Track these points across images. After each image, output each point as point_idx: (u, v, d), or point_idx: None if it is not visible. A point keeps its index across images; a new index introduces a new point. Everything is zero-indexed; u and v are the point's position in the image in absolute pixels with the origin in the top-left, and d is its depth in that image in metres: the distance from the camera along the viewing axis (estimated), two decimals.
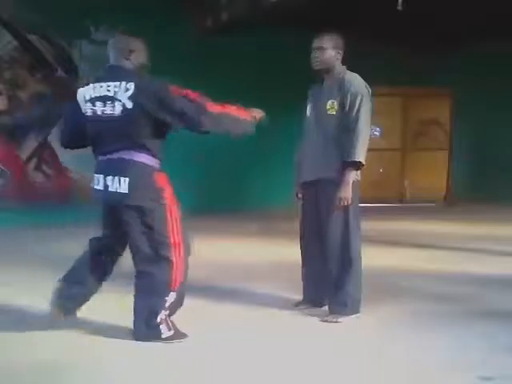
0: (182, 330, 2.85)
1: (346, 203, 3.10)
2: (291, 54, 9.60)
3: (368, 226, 7.85)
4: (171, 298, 2.76)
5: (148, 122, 2.71)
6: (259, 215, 8.53)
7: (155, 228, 2.74)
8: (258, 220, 7.88)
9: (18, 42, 7.66)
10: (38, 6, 7.65)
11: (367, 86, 3.25)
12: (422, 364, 2.55)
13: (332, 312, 3.21)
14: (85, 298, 2.97)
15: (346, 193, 3.08)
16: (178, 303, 2.84)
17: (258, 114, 2.96)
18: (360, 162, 3.09)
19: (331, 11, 8.89)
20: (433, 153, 11.70)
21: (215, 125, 2.77)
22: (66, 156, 8.04)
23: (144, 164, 2.74)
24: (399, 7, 6.76)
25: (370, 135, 3.23)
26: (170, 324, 2.80)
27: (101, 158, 2.83)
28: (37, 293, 3.82)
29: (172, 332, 2.79)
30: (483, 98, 10.80)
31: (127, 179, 2.68)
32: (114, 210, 2.80)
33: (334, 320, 3.14)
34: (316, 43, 3.25)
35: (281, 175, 7.26)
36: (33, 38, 7.75)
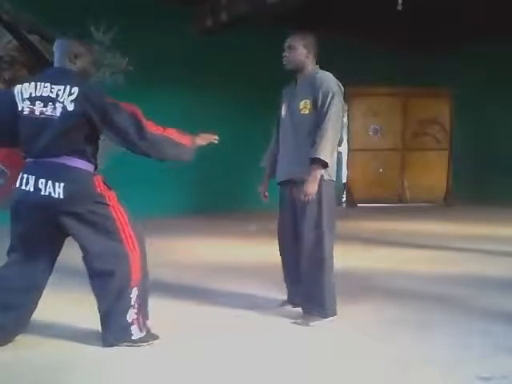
0: (172, 330, 2.83)
1: (307, 200, 3.05)
2: None
3: (368, 226, 7.91)
4: (134, 294, 2.71)
5: (86, 128, 2.66)
6: (259, 216, 8.52)
7: (101, 227, 2.69)
8: (256, 220, 7.87)
9: (17, 42, 7.66)
10: (38, 6, 7.65)
11: (340, 84, 3.19)
12: (422, 364, 2.55)
13: (305, 313, 3.19)
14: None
15: (310, 189, 3.03)
16: (143, 300, 2.77)
17: (203, 139, 2.89)
18: (322, 159, 3.01)
19: (331, 11, 8.90)
20: (433, 153, 11.70)
21: (154, 150, 2.72)
22: None
23: (80, 169, 2.68)
24: (399, 7, 6.76)
25: (341, 137, 3.19)
26: (142, 324, 2.74)
27: (34, 159, 2.76)
28: None
29: (143, 333, 2.74)
30: (483, 97, 10.81)
31: (62, 184, 2.61)
32: (44, 214, 2.68)
33: (305, 324, 3.10)
34: (287, 42, 3.24)
35: None
36: (33, 37, 7.75)
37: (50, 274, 2.87)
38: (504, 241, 6.22)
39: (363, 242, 6.23)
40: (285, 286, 3.46)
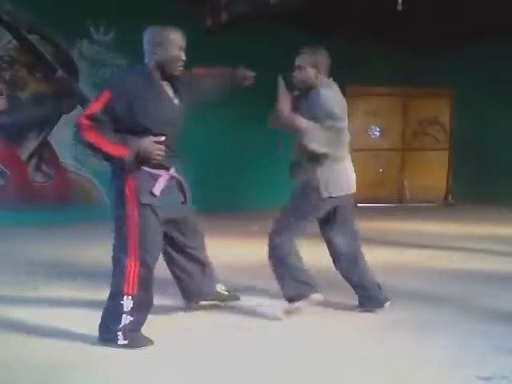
0: (172, 330, 2.83)
1: (282, 114, 3.05)
2: (291, 54, 9.63)
3: (368, 226, 7.90)
4: (128, 303, 2.70)
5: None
6: (260, 215, 8.51)
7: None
8: (258, 220, 7.86)
9: (17, 42, 7.66)
10: (38, 6, 7.65)
11: (342, 102, 3.18)
12: (422, 364, 2.55)
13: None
14: None
15: (288, 115, 3.04)
16: (139, 313, 2.75)
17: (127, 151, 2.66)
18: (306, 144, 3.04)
19: (331, 11, 8.90)
20: (433, 153, 11.69)
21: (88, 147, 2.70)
22: (66, 156, 8.07)
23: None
24: (399, 7, 6.76)
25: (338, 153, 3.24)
26: (127, 334, 2.71)
27: None
28: (35, 292, 3.84)
29: (126, 342, 2.71)
30: (483, 97, 10.80)
31: None
32: None
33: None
34: (296, 61, 3.22)
35: (282, 175, 7.27)
36: (33, 37, 7.75)
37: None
38: (504, 240, 6.22)
39: (363, 242, 6.21)
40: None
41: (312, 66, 3.19)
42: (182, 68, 2.81)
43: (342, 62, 10.21)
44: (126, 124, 2.68)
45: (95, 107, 2.63)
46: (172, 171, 2.87)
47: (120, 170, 2.71)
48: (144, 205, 2.71)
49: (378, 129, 11.62)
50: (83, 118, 2.62)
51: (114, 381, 2.41)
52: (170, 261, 3.18)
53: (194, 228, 3.15)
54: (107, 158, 2.70)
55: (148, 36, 2.78)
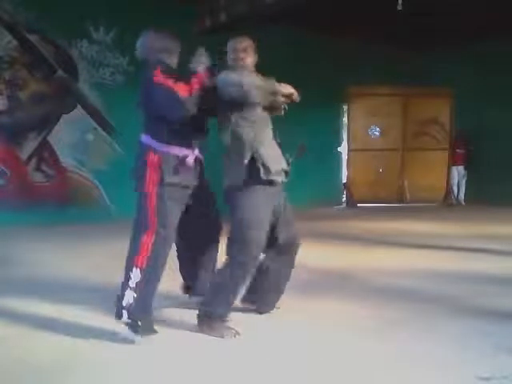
0: (173, 331, 2.83)
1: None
2: (291, 54, 9.63)
3: (368, 226, 7.90)
4: (136, 275, 2.77)
5: None
6: None
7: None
8: None
9: (17, 42, 7.66)
10: (38, 6, 7.65)
11: None
12: (421, 364, 2.55)
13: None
14: None
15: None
16: (145, 289, 2.79)
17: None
18: None
19: (331, 11, 8.90)
20: (433, 153, 11.70)
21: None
22: (66, 156, 8.07)
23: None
24: (399, 7, 6.76)
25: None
26: (131, 312, 2.76)
27: None
28: (35, 293, 3.84)
29: (129, 321, 2.76)
30: (483, 97, 10.80)
31: None
32: None
33: None
34: (242, 44, 3.21)
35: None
36: (33, 37, 7.75)
37: None
38: (504, 240, 6.22)
39: (363, 242, 6.23)
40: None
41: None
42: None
43: (342, 61, 10.29)
44: None
45: (172, 85, 2.78)
46: (196, 152, 2.99)
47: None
48: (165, 184, 2.83)
49: (377, 129, 11.62)
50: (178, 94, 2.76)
51: (114, 381, 2.41)
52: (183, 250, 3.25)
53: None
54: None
55: (156, 42, 3.01)
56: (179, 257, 3.29)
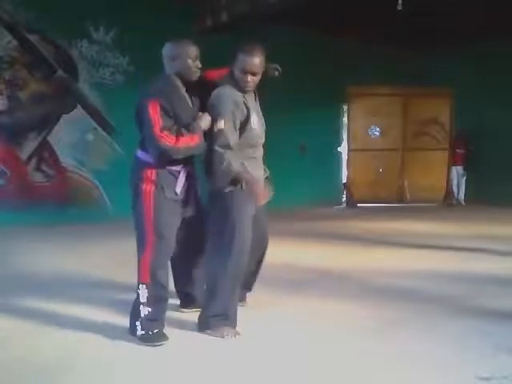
0: (173, 331, 2.83)
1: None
2: (291, 54, 9.63)
3: (368, 226, 7.90)
4: (143, 291, 2.81)
5: None
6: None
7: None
8: None
9: (17, 42, 7.66)
10: (38, 6, 7.65)
11: None
12: (421, 364, 2.55)
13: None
14: None
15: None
16: (154, 305, 2.83)
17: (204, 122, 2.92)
18: None
19: (331, 11, 8.90)
20: (433, 153, 11.70)
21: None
22: (66, 156, 8.07)
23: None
24: (399, 7, 6.76)
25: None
26: (144, 324, 2.81)
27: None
28: (35, 292, 3.84)
29: (143, 332, 2.81)
30: (483, 97, 10.80)
31: None
32: None
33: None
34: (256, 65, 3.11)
35: (284, 176, 7.29)
36: (33, 37, 7.75)
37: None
38: (504, 240, 6.22)
39: (363, 242, 6.23)
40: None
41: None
42: (197, 74, 2.98)
43: (342, 61, 10.28)
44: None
45: (158, 120, 2.75)
46: (189, 168, 2.98)
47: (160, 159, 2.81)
48: (162, 199, 2.84)
49: (377, 129, 11.62)
50: (158, 132, 2.72)
51: (114, 381, 2.41)
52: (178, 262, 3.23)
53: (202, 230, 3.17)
54: (197, 149, 2.86)
55: (166, 51, 3.03)
56: (174, 272, 3.27)
